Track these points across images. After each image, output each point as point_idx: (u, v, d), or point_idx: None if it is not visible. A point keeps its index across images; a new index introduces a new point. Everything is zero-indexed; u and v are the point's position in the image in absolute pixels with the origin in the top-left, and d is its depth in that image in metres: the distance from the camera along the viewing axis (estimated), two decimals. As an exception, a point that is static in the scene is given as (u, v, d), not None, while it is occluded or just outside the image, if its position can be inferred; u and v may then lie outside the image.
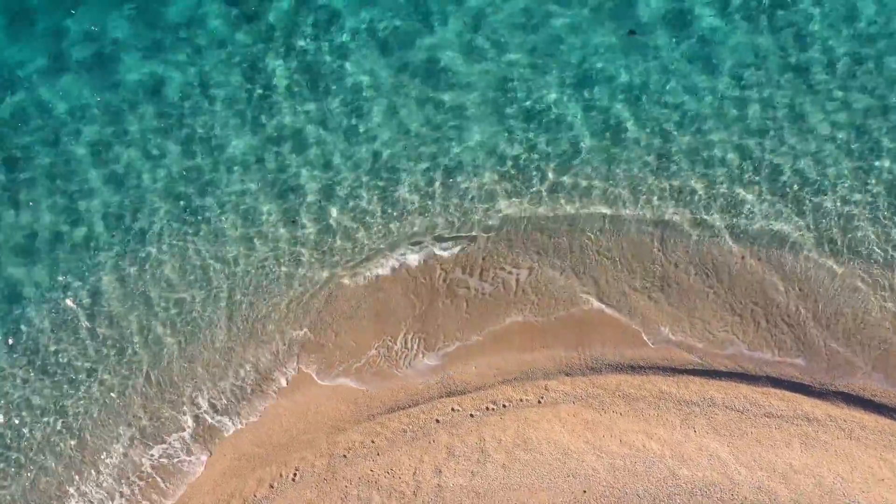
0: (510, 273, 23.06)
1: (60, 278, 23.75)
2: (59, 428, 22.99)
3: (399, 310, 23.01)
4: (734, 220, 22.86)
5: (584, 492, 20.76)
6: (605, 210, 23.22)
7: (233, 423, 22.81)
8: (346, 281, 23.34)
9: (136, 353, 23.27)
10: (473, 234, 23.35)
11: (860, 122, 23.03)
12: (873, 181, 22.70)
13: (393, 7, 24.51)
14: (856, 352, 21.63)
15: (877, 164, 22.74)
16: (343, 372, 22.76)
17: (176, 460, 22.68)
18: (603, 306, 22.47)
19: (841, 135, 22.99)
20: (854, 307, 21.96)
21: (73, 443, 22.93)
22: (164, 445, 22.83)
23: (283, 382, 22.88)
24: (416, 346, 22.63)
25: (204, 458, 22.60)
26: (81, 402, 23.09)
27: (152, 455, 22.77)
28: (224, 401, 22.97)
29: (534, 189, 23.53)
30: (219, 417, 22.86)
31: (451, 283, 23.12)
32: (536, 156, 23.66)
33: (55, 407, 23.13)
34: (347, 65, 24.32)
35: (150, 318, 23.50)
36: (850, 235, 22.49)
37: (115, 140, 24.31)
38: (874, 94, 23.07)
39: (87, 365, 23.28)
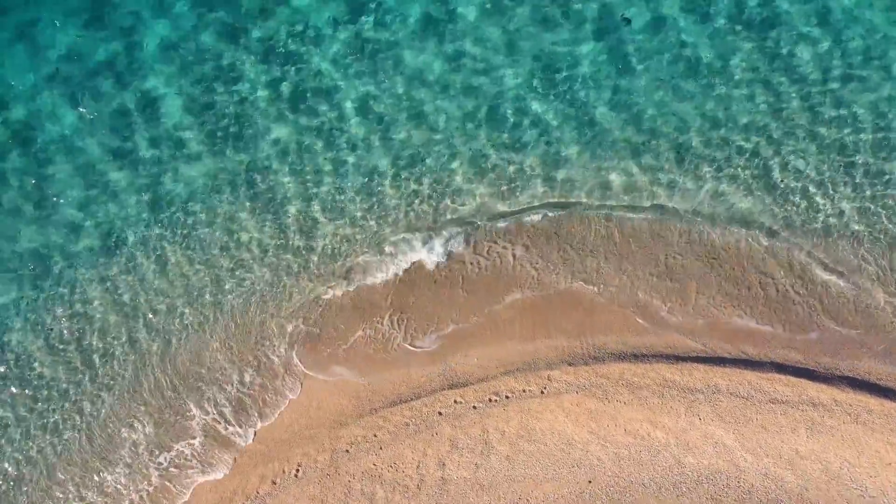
0: (505, 248, 22.80)
1: (53, 290, 23.49)
2: (63, 435, 22.78)
3: (389, 292, 22.83)
4: (728, 208, 22.75)
5: (590, 482, 20.61)
6: (604, 199, 23.10)
7: (244, 438, 22.43)
8: (337, 292, 23.06)
9: (135, 364, 23.06)
10: (477, 222, 23.18)
11: (852, 113, 23.03)
12: (859, 174, 22.67)
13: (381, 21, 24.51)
14: (865, 334, 21.50)
15: (859, 158, 22.69)
16: (331, 356, 22.43)
17: (192, 471, 22.39)
18: (598, 288, 22.25)
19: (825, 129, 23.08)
20: (856, 293, 21.83)
21: (77, 450, 22.67)
22: (173, 454, 22.55)
23: (291, 395, 22.58)
24: (403, 328, 22.38)
25: (221, 474, 22.32)
26: (78, 413, 22.83)
27: (160, 463, 22.47)
28: (232, 409, 22.63)
29: (525, 186, 23.38)
30: (232, 429, 22.54)
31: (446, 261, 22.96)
32: (526, 154, 23.56)
33: (51, 423, 22.85)
34: (334, 73, 24.29)
35: (138, 326, 23.23)
36: (841, 224, 22.41)
37: (106, 152, 24.18)
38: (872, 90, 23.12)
39: (87, 377, 23.02)
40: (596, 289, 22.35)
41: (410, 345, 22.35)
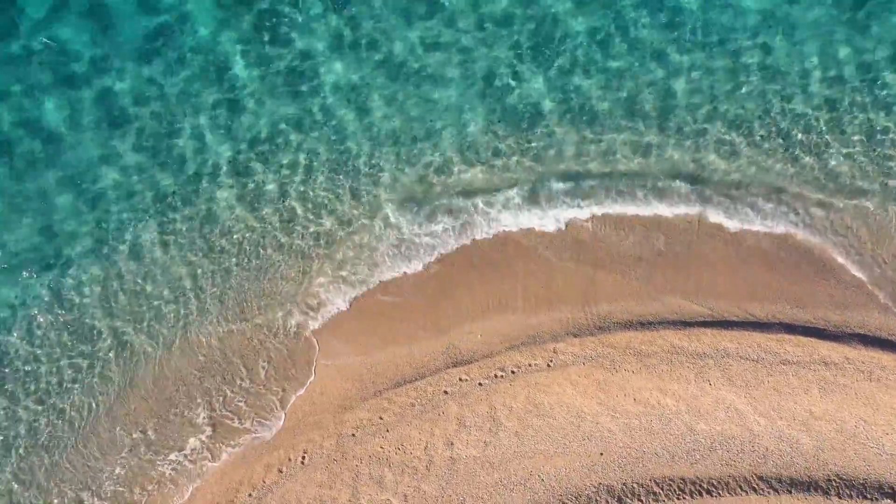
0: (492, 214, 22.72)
1: (43, 290, 23.02)
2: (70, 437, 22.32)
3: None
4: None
5: (601, 454, 20.21)
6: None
7: (269, 431, 21.98)
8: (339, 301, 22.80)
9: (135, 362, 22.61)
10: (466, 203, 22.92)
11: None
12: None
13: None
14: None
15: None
16: (331, 332, 21.95)
17: (204, 467, 21.87)
18: (591, 224, 21.97)
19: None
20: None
21: (79, 455, 22.18)
22: (184, 453, 22.03)
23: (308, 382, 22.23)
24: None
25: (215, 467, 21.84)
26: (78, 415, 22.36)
27: (170, 461, 21.92)
28: (246, 407, 22.13)
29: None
30: (252, 428, 22.06)
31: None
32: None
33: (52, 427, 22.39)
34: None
35: (137, 323, 22.77)
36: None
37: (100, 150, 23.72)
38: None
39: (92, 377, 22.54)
40: (590, 226, 21.97)
41: (382, 294, 21.88)
